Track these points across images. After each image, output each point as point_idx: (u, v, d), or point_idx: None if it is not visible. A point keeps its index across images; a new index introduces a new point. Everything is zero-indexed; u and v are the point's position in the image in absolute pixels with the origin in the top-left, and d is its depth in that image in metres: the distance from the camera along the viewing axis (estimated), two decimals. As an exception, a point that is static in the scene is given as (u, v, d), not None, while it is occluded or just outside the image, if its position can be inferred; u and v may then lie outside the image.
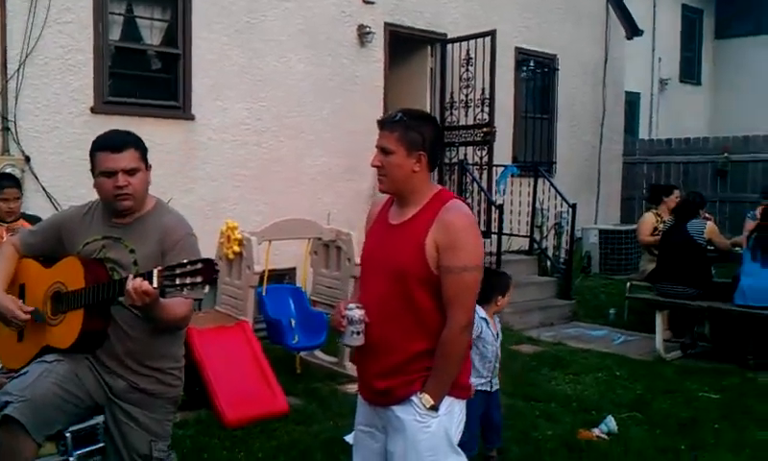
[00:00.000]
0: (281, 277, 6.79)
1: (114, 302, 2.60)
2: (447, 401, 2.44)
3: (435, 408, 2.40)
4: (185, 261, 2.36)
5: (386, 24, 8.23)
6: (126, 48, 6.60)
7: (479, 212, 8.17)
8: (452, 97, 8.85)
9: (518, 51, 9.67)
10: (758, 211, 6.62)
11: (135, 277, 2.43)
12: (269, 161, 7.31)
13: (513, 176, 8.92)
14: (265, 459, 4.13)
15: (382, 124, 2.50)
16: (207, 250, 3.43)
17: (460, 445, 2.51)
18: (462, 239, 2.36)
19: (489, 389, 3.88)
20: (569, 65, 10.36)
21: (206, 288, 2.41)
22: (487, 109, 8.43)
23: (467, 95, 8.61)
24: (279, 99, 7.38)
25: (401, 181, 2.45)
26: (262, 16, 7.23)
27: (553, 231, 9.24)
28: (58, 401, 2.60)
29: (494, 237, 7.90)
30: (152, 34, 6.78)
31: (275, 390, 4.82)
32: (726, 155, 11.60)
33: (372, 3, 8.05)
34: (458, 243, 2.35)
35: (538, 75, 10.22)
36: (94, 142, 2.72)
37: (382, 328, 2.43)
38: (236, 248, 5.46)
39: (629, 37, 11.43)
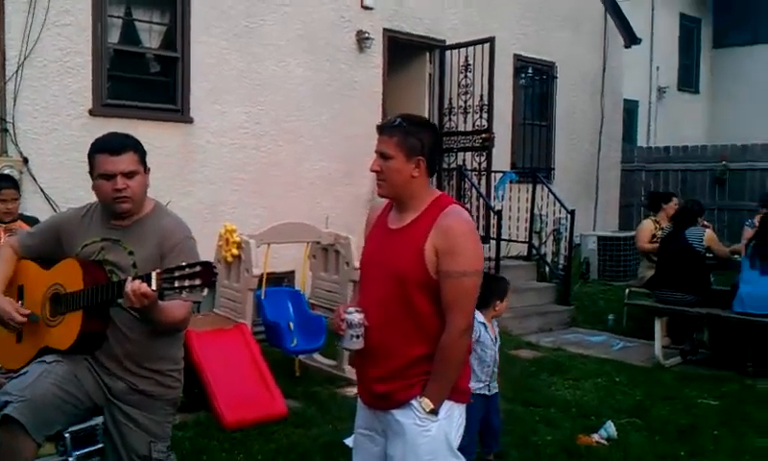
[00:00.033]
0: (280, 280, 6.78)
1: (113, 303, 2.59)
2: (447, 406, 2.44)
3: (435, 412, 2.40)
4: (184, 264, 2.37)
5: (385, 30, 8.24)
6: (124, 51, 6.58)
7: (478, 218, 8.16)
8: (451, 103, 8.86)
9: (517, 58, 9.69)
10: (757, 219, 6.64)
11: (134, 279, 2.43)
12: (267, 165, 7.30)
13: (511, 182, 8.93)
14: (264, 462, 4.12)
15: (381, 129, 2.50)
16: (206, 253, 3.43)
17: (459, 449, 2.51)
18: (461, 244, 2.36)
19: (487, 393, 3.88)
20: (568, 73, 10.39)
21: (205, 291, 2.43)
22: (485, 115, 8.44)
23: (465, 101, 8.62)
24: (278, 103, 7.37)
25: (400, 186, 2.45)
26: (261, 21, 7.23)
27: (552, 237, 9.24)
28: (57, 402, 2.60)
29: (493, 243, 7.90)
30: (150, 37, 6.77)
31: (273, 393, 4.81)
32: (724, 163, 11.64)
33: (371, 9, 8.05)
34: (457, 248, 2.35)
35: (536, 82, 10.23)
36: (93, 144, 2.72)
37: (382, 332, 2.42)
38: (235, 251, 5.46)
39: (627, 46, 11.47)
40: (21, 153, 5.87)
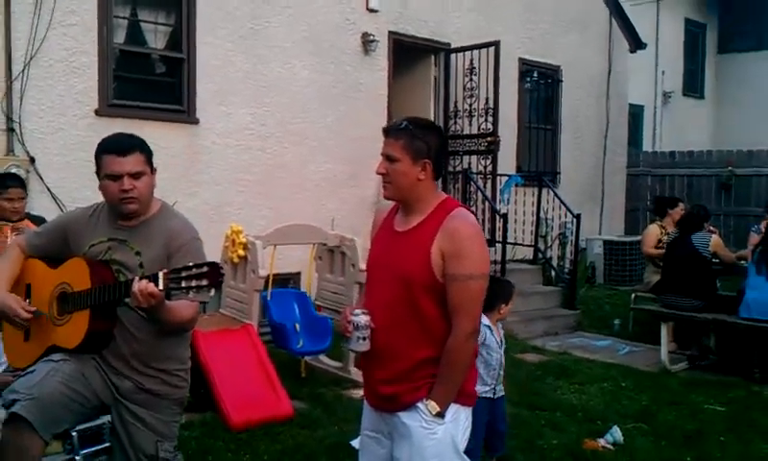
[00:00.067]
0: (286, 281, 6.79)
1: (120, 303, 2.59)
2: (453, 409, 2.43)
3: (441, 415, 2.39)
4: (191, 264, 2.37)
5: (390, 32, 8.24)
6: (130, 51, 6.60)
7: (483, 221, 8.16)
8: (456, 106, 8.86)
9: (522, 62, 9.69)
10: (763, 225, 6.61)
11: (141, 279, 2.43)
12: (273, 167, 7.31)
13: (517, 185, 8.92)
14: (269, 463, 4.12)
15: (387, 132, 2.50)
16: (212, 254, 3.42)
17: (466, 452, 2.50)
18: (467, 247, 2.35)
19: (492, 396, 3.86)
20: (573, 77, 10.38)
21: (212, 291, 2.42)
22: (491, 118, 8.44)
23: (470, 105, 8.62)
24: (283, 105, 7.38)
25: (406, 188, 2.44)
26: (266, 23, 7.24)
27: (557, 241, 9.22)
28: (65, 400, 2.60)
29: (499, 246, 7.88)
30: (156, 37, 6.78)
31: (279, 394, 4.82)
32: (730, 168, 11.61)
33: (377, 11, 8.05)
34: (463, 251, 2.35)
35: (541, 86, 10.23)
36: (100, 145, 2.72)
37: (388, 335, 2.42)
38: (241, 252, 5.46)
39: (632, 50, 11.47)
40: (28, 152, 5.88)
